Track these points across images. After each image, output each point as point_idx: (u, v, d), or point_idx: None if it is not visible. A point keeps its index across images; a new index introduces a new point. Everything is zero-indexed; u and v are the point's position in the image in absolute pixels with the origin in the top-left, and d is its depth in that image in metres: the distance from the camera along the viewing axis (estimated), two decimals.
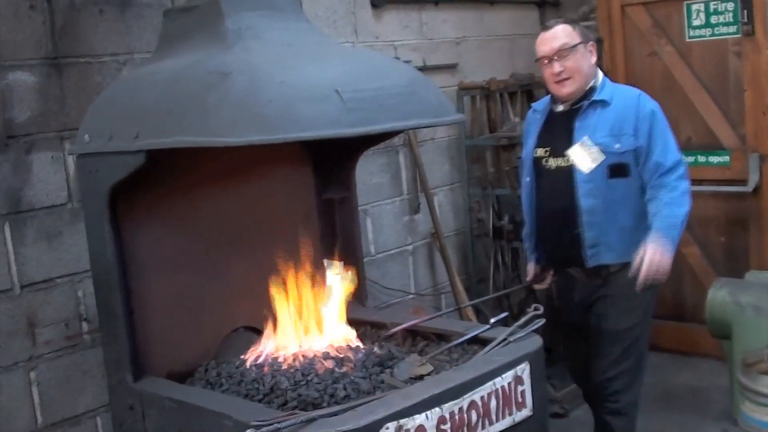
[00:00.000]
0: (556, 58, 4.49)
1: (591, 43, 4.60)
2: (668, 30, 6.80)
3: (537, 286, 5.03)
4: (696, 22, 6.68)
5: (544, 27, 4.65)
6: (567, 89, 4.53)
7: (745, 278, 5.97)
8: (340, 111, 3.21)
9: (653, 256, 4.28)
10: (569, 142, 4.51)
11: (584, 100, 4.55)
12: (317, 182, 4.59)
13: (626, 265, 4.49)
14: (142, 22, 4.48)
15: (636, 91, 4.66)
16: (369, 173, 5.74)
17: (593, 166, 4.42)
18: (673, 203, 4.40)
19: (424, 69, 5.95)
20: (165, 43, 3.86)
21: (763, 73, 6.31)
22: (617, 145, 4.44)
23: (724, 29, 6.58)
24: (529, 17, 7.24)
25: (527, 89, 6.81)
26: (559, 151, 4.56)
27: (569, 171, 4.50)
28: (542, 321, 3.98)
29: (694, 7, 6.66)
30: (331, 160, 4.51)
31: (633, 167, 4.47)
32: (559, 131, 4.60)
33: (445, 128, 6.33)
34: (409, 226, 6.12)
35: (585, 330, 4.79)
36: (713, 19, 6.61)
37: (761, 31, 6.30)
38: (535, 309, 4.04)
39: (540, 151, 4.67)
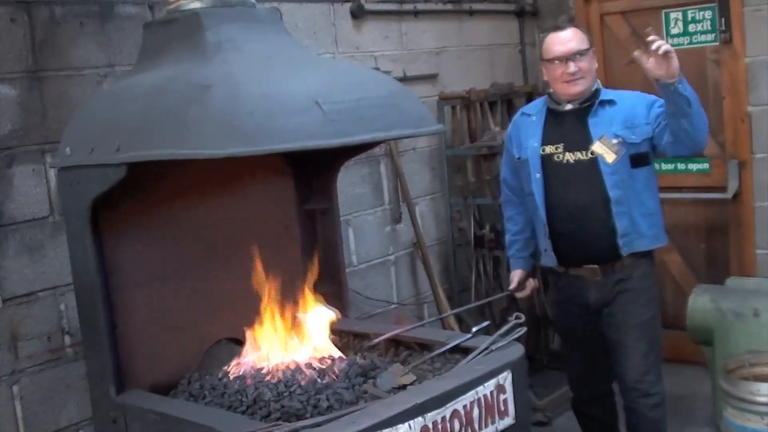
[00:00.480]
0: (572, 58, 4.62)
1: (594, 48, 4.77)
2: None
3: (519, 295, 5.07)
4: (674, 31, 6.73)
5: (556, 27, 4.79)
6: (578, 88, 4.67)
7: (726, 284, 6.00)
8: (321, 122, 3.22)
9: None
10: (586, 138, 4.65)
11: (594, 99, 4.70)
12: (299, 193, 4.60)
13: (642, 255, 4.71)
14: (122, 35, 4.48)
15: (635, 91, 4.83)
16: (351, 183, 5.75)
17: (617, 157, 4.56)
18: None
19: (404, 79, 5.97)
20: (145, 56, 3.86)
21: (741, 81, 6.37)
22: (634, 136, 4.59)
23: (702, 37, 6.64)
24: (508, 27, 7.26)
25: (507, 99, 6.83)
26: (576, 146, 4.66)
27: (592, 164, 4.63)
28: (524, 329, 4.00)
29: (672, 15, 6.72)
30: (312, 171, 4.52)
31: (651, 155, 4.67)
32: (570, 128, 4.72)
33: (426, 138, 6.34)
34: (391, 236, 6.13)
35: (592, 334, 4.87)
36: (691, 28, 6.66)
37: (739, 39, 6.35)
38: (517, 317, 4.06)
39: (549, 148, 4.73)
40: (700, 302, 5.69)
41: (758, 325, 5.45)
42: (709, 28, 6.57)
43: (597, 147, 4.59)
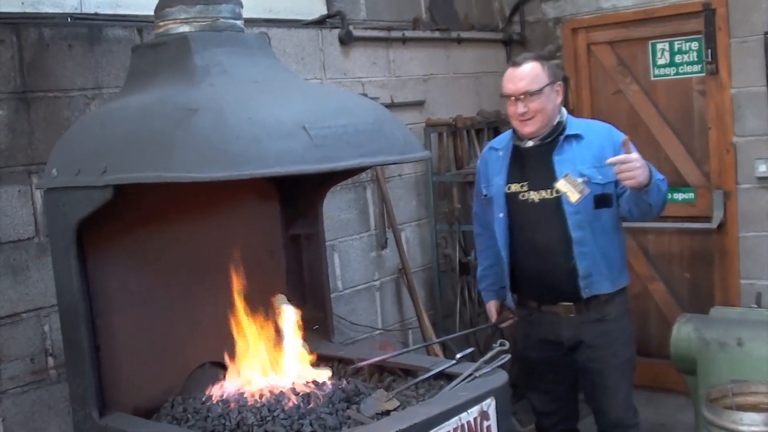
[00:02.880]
0: (521, 98, 4.52)
1: (558, 83, 4.65)
2: (633, 68, 6.89)
3: (503, 325, 5.04)
4: (661, 61, 6.77)
5: (514, 63, 4.67)
6: (529, 128, 4.58)
7: (710, 314, 6.01)
8: (307, 147, 3.23)
9: (636, 159, 4.23)
10: (551, 176, 4.53)
11: (558, 135, 4.60)
12: (284, 217, 4.60)
13: (615, 295, 4.68)
14: (110, 58, 4.49)
15: (605, 124, 4.77)
16: (337, 209, 5.75)
17: (581, 197, 4.40)
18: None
19: (391, 106, 5.98)
20: (133, 79, 3.87)
21: (727, 111, 6.41)
22: (600, 177, 4.49)
23: (688, 68, 6.69)
24: (496, 55, 7.30)
25: (494, 126, 6.85)
26: (541, 184, 4.59)
27: (556, 203, 4.55)
28: (508, 356, 4.00)
29: (659, 46, 6.76)
30: (298, 196, 4.52)
31: (614, 197, 4.57)
32: (534, 166, 4.64)
33: (413, 164, 6.35)
34: (376, 262, 6.13)
35: (561, 369, 4.85)
36: (677, 59, 6.71)
37: (725, 70, 6.39)
38: (501, 344, 4.06)
39: (514, 187, 4.67)
40: (684, 331, 5.70)
41: (742, 354, 5.46)
42: (696, 59, 6.62)
43: (561, 185, 4.43)
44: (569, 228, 4.54)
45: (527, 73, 4.55)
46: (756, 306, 6.12)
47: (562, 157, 4.57)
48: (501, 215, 4.71)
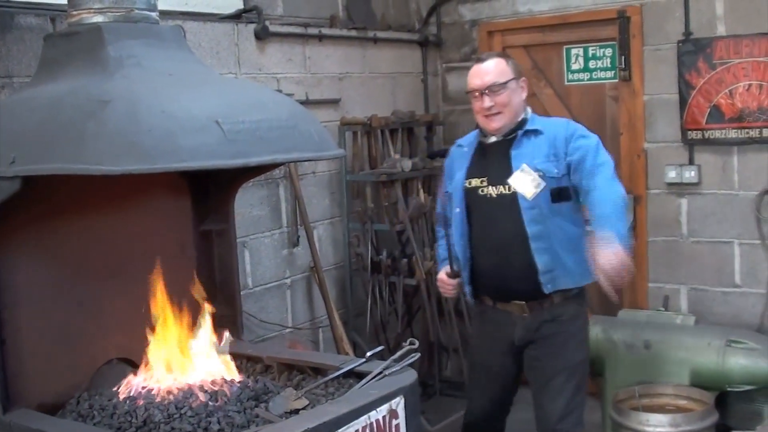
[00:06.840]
0: (487, 92, 4.53)
1: (523, 78, 4.68)
2: (547, 73, 6.95)
3: (445, 293, 4.93)
4: (575, 66, 6.84)
5: (478, 59, 4.70)
6: (496, 124, 4.58)
7: (618, 316, 6.11)
8: (220, 142, 3.21)
9: (606, 260, 4.11)
10: (508, 171, 4.52)
11: (518, 130, 4.59)
12: (195, 213, 4.56)
13: (571, 296, 4.59)
14: (22, 46, 4.40)
15: (564, 119, 4.76)
16: (249, 205, 5.72)
17: (536, 191, 4.43)
18: (608, 184, 4.35)
19: (306, 103, 5.97)
20: (45, 69, 3.80)
21: (639, 118, 6.50)
22: (555, 170, 4.46)
23: (602, 74, 6.76)
24: (412, 56, 7.32)
25: (408, 127, 6.87)
26: (499, 179, 4.55)
27: (512, 198, 4.50)
28: (417, 355, 4.00)
29: (574, 51, 6.83)
30: (210, 191, 4.49)
31: (572, 191, 4.51)
32: (494, 161, 4.61)
33: (326, 163, 6.33)
34: (288, 260, 6.11)
35: (506, 371, 4.79)
36: (591, 64, 6.78)
37: (638, 77, 6.48)
38: (411, 343, 4.06)
39: (474, 182, 4.64)
40: (593, 333, 5.76)
41: (649, 357, 5.55)
42: (609, 65, 6.70)
43: (513, 180, 4.48)
44: (525, 223, 4.48)
45: (492, 68, 4.57)
46: (663, 309, 6.23)
47: (519, 152, 4.55)
48: (458, 210, 4.67)
